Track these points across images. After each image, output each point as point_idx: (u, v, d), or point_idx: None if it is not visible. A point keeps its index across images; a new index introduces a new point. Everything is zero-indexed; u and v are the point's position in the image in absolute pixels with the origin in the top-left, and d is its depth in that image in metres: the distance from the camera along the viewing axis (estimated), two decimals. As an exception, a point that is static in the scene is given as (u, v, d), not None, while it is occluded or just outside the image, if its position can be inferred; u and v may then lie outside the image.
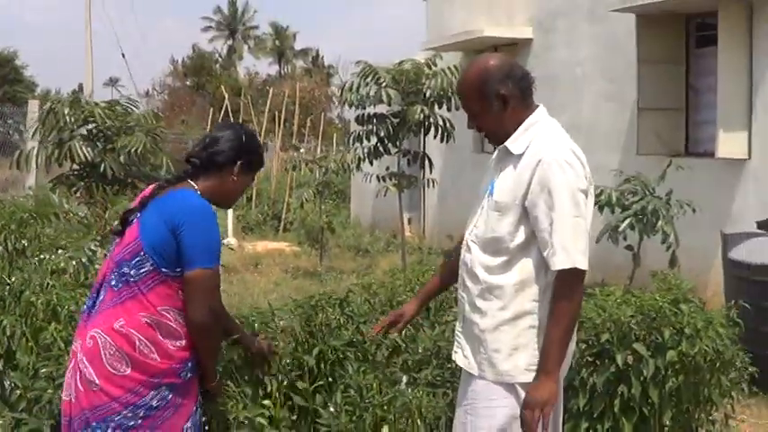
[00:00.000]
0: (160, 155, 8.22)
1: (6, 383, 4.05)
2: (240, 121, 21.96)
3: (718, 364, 4.90)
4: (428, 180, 11.05)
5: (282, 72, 68.65)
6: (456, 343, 3.56)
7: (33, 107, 10.81)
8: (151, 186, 3.42)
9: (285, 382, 4.03)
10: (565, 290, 3.23)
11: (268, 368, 3.95)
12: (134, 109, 8.60)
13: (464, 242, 3.51)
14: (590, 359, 4.71)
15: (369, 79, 9.83)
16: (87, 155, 7.90)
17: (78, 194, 7.83)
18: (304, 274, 12.36)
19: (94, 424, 3.08)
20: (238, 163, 3.38)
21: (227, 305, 3.77)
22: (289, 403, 4.09)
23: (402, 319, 3.88)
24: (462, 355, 3.49)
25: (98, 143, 8.13)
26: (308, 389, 4.10)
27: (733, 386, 5.05)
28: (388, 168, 10.53)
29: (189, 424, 3.21)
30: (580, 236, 3.25)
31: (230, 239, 15.35)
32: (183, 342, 3.18)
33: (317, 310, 4.43)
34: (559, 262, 3.20)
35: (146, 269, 3.13)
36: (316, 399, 4.11)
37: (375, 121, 10.11)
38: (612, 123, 11.20)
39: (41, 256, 5.32)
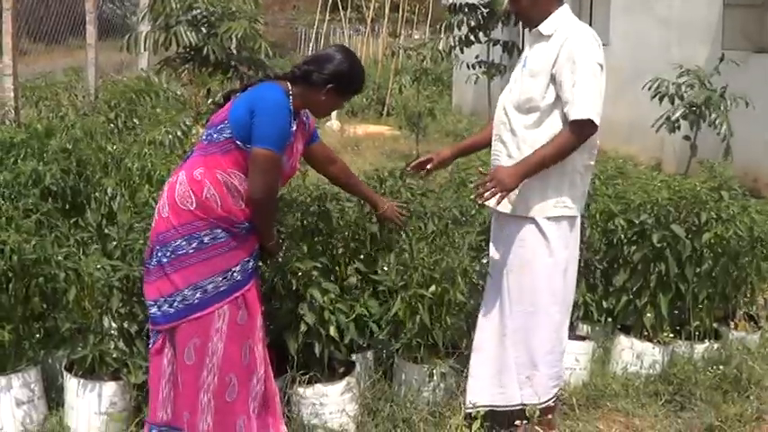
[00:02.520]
0: (259, 40, 8.62)
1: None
2: (350, 6, 22.26)
3: (756, 250, 5.22)
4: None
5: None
6: None
7: (148, -9, 11.23)
8: (258, 79, 3.99)
9: (350, 245, 4.61)
10: (573, 133, 3.87)
11: (397, 227, 4.58)
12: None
13: (501, 107, 4.15)
14: (632, 238, 5.10)
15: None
16: (192, 39, 8.37)
17: (183, 76, 8.39)
18: (400, 156, 12.77)
19: (158, 248, 3.68)
20: (328, 86, 3.84)
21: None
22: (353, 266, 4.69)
23: (435, 159, 4.52)
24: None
25: (202, 28, 8.59)
26: (370, 253, 4.66)
27: (775, 271, 5.35)
28: (477, 57, 10.78)
29: (237, 268, 3.73)
30: (597, 96, 3.86)
31: (333, 122, 15.89)
32: (244, 205, 3.71)
33: (381, 181, 4.96)
34: (576, 113, 3.83)
35: (225, 135, 3.68)
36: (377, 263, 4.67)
37: (466, 10, 10.36)
38: (701, 18, 11.11)
39: (142, 131, 5.94)
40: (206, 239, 3.66)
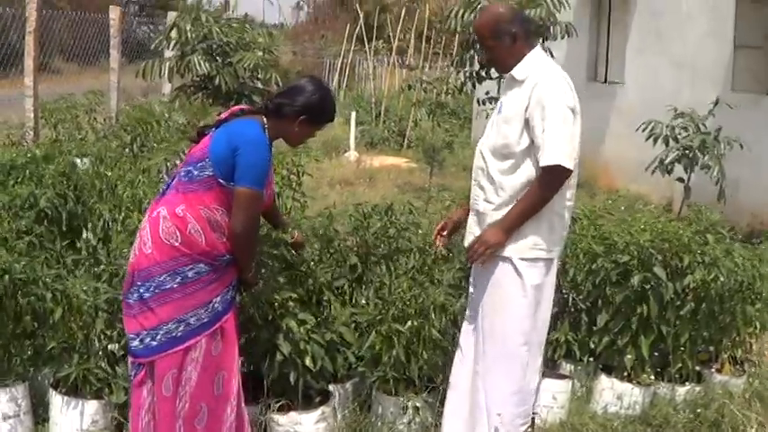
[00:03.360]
0: (270, 71, 8.76)
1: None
2: (375, 37, 22.41)
3: (742, 294, 5.24)
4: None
5: (432, -11, 67.74)
6: (468, 232, 4.31)
7: (171, 18, 11.44)
8: (230, 111, 4.03)
9: (323, 279, 4.71)
10: (544, 182, 3.99)
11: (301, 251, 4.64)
12: (249, 27, 9.15)
13: (478, 152, 4.24)
14: (615, 279, 5.12)
15: (473, 5, 10.10)
16: (205, 68, 8.54)
17: (195, 104, 8.53)
18: (413, 189, 12.82)
19: (139, 283, 3.75)
20: (301, 117, 3.96)
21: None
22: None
23: (449, 224, 4.61)
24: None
25: (216, 57, 8.77)
26: (343, 285, 4.76)
27: (761, 316, 5.37)
28: (487, 93, 10.85)
29: (218, 300, 3.82)
30: (567, 141, 3.96)
31: (351, 153, 15.98)
32: (225, 239, 3.80)
33: (366, 216, 5.06)
34: (546, 159, 3.93)
35: (207, 173, 3.76)
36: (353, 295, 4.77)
37: (477, 46, 10.43)
38: (712, 59, 11.11)
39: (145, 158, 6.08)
40: (190, 274, 3.75)
